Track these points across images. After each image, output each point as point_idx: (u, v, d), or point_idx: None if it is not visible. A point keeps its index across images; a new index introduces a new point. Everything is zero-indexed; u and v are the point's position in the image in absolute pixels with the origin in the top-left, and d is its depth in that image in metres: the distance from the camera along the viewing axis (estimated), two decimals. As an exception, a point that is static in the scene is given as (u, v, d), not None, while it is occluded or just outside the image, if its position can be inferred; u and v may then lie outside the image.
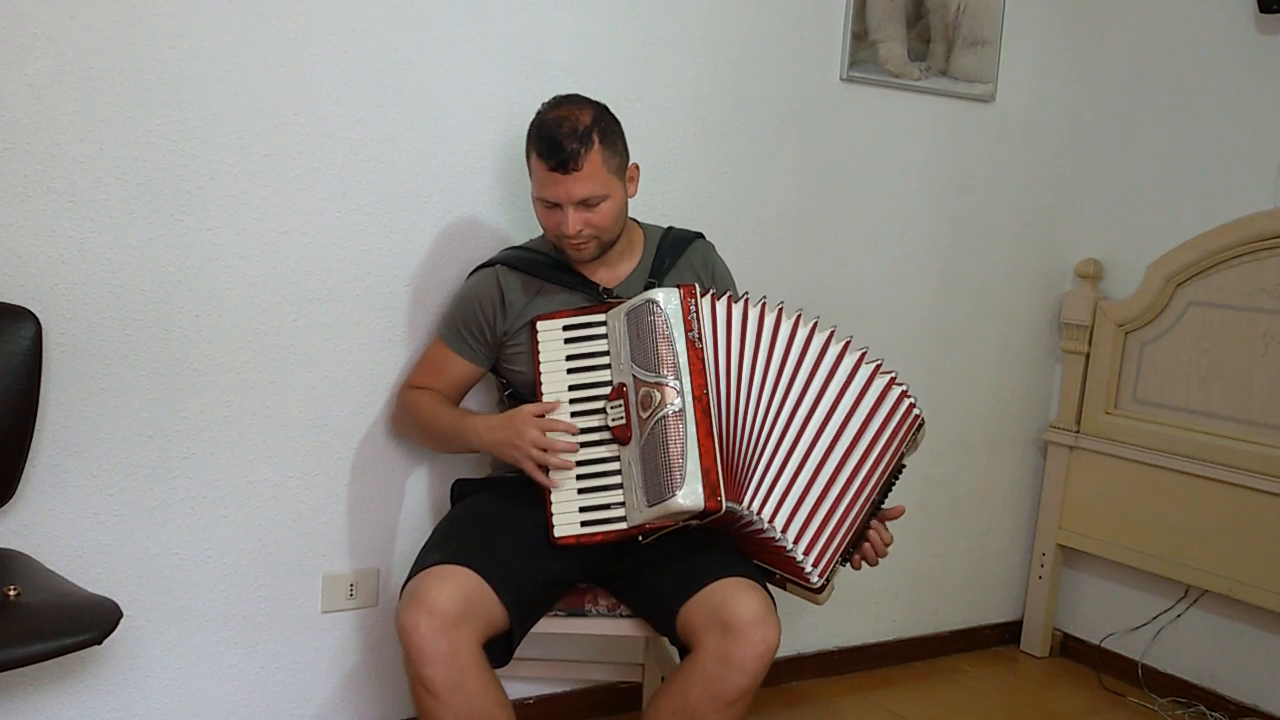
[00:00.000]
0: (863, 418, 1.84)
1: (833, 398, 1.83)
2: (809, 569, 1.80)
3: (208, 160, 1.93)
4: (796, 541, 1.78)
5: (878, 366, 1.87)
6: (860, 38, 2.56)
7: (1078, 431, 2.89)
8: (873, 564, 1.93)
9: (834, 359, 1.84)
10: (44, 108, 1.80)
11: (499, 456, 1.87)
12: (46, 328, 1.79)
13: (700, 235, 2.09)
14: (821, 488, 1.80)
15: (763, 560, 1.86)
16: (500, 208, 2.20)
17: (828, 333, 1.85)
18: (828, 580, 1.83)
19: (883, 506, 1.91)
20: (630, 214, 2.06)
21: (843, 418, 1.83)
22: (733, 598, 1.71)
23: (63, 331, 1.85)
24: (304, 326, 2.06)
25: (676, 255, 2.01)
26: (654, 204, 2.32)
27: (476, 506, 1.91)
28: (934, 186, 2.76)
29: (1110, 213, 2.92)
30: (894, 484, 1.91)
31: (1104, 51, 2.92)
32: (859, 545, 1.90)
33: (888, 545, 1.92)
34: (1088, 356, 2.88)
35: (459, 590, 1.66)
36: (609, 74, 2.28)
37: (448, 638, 1.64)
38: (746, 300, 1.85)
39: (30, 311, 1.76)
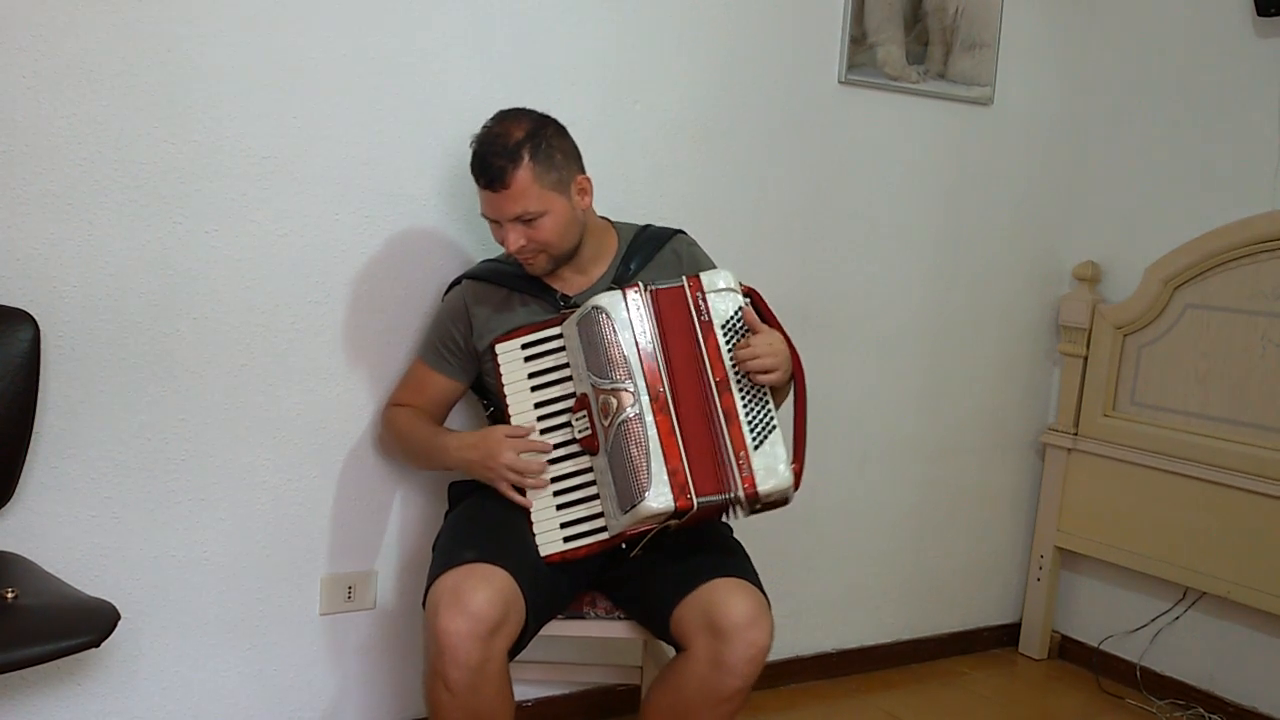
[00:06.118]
0: (673, 353, 1.77)
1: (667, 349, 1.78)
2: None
3: (206, 163, 1.93)
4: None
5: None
6: (858, 41, 2.56)
7: (1076, 434, 2.89)
8: (765, 371, 1.76)
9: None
10: (42, 110, 1.80)
11: (472, 476, 1.86)
12: (44, 330, 1.79)
13: (680, 231, 2.03)
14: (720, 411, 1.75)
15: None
16: (498, 210, 2.20)
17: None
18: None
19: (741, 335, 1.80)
20: (623, 216, 2.05)
21: (669, 359, 1.78)
22: (724, 599, 1.70)
23: (60, 334, 1.85)
24: (302, 329, 2.06)
25: (649, 255, 1.96)
26: (652, 206, 2.32)
27: (491, 505, 1.89)
28: (932, 189, 2.76)
29: (1108, 215, 2.92)
30: (740, 319, 1.80)
31: (1102, 54, 2.92)
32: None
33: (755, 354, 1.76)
34: (1086, 359, 2.88)
35: (499, 595, 1.65)
36: (607, 77, 2.28)
37: (482, 646, 1.63)
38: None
39: (28, 314, 1.76)
